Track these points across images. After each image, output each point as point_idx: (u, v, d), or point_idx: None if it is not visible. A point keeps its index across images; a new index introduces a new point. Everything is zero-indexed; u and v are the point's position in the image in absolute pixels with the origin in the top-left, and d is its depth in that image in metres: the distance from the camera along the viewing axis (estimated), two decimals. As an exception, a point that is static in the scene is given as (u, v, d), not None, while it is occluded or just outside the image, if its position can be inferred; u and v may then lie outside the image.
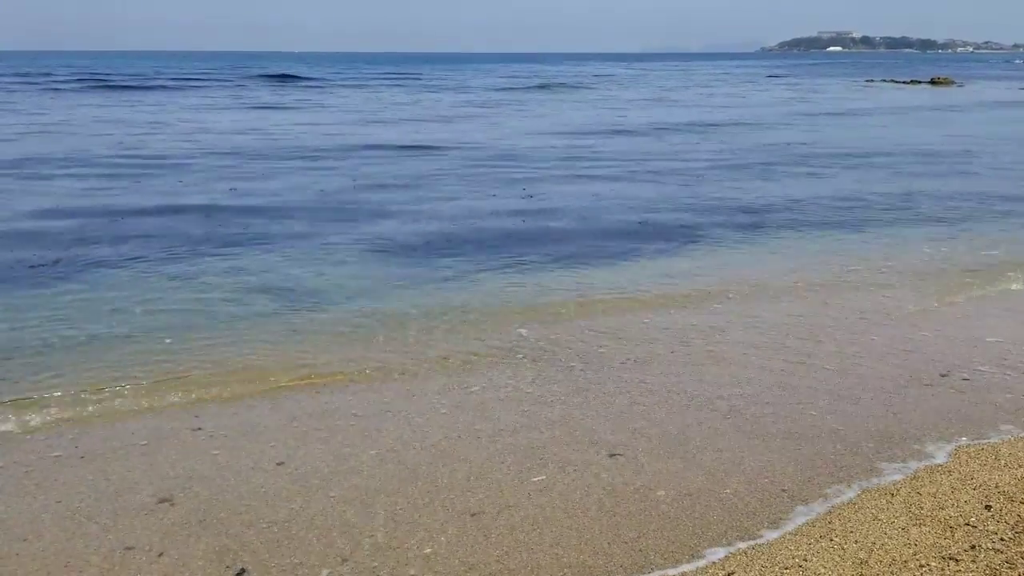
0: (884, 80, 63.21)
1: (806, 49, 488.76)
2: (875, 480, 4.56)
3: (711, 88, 54.43)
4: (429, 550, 3.95)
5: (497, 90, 50.59)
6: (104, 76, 60.50)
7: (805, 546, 3.92)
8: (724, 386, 5.94)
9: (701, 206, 13.08)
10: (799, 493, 4.44)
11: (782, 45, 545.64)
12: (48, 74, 62.34)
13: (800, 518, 4.19)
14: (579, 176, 16.20)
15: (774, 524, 4.14)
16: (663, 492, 4.45)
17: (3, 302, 7.81)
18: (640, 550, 3.94)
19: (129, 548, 3.99)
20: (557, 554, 3.92)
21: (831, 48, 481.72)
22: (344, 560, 3.87)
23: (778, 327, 7.21)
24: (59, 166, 16.95)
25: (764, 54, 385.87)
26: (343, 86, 55.01)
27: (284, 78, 62.41)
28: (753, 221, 11.88)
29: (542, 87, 53.27)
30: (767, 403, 5.63)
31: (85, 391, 5.81)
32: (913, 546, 3.88)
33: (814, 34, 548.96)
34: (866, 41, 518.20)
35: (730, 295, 8.19)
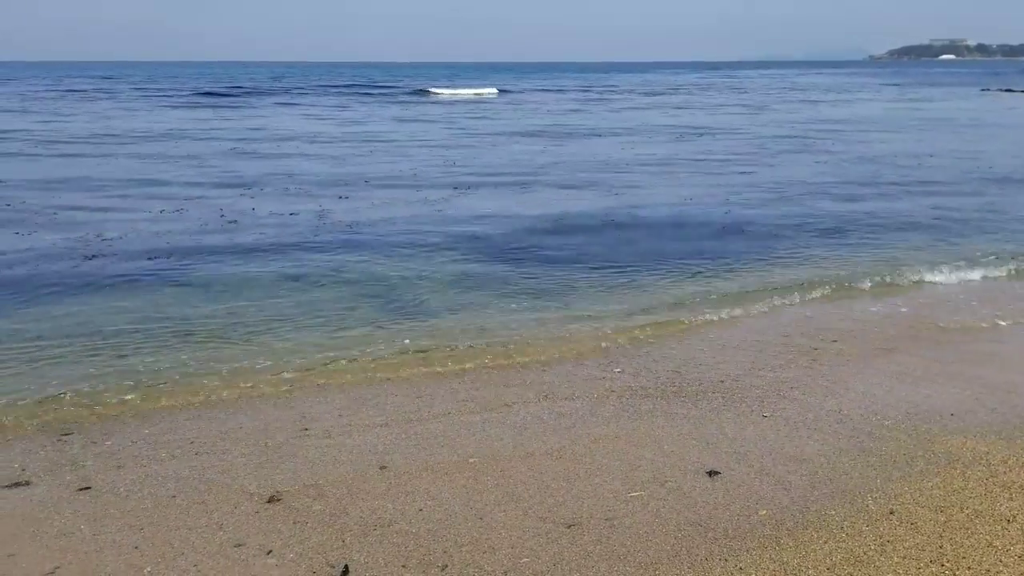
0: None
1: (916, 57, 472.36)
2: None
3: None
4: (526, 559, 3.99)
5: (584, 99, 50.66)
6: (217, 88, 62.69)
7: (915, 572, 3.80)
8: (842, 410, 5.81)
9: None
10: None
11: (891, 53, 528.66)
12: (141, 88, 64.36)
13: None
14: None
15: (880, 547, 4.02)
16: (765, 512, 4.38)
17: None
18: (740, 568, 3.88)
19: (239, 545, 4.15)
20: (653, 568, 3.90)
21: (943, 56, 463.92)
22: (444, 567, 3.94)
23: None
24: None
25: (872, 63, 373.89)
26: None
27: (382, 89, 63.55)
28: None
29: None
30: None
31: (198, 386, 6.09)
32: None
33: (925, 42, 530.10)
34: (982, 49, 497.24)
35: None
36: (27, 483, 4.81)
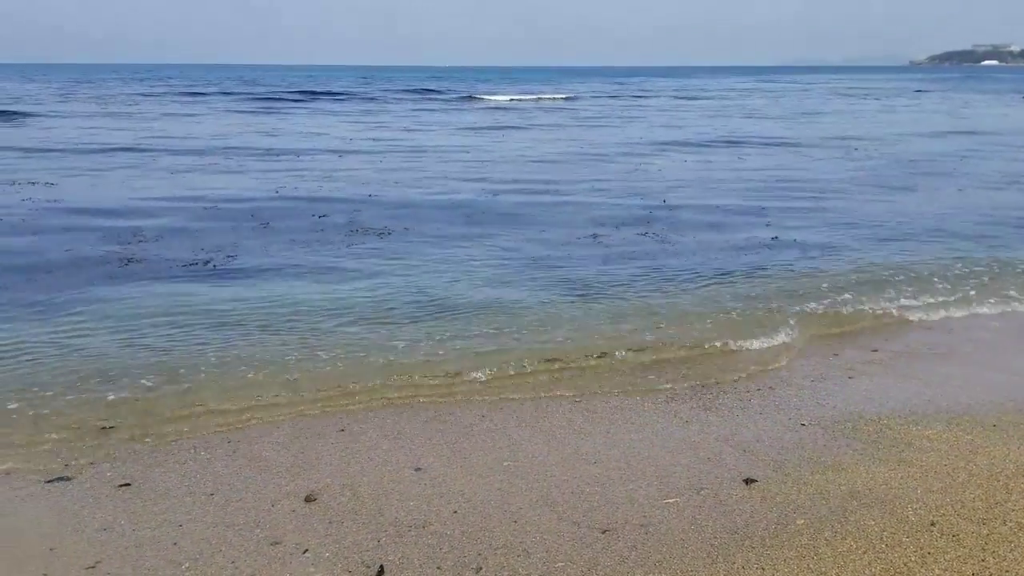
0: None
1: (958, 63, 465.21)
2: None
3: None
4: (560, 563, 3.98)
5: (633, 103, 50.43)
6: (325, 91, 62.72)
7: (955, 586, 3.74)
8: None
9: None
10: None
11: (932, 59, 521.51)
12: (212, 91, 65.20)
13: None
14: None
15: (921, 559, 3.96)
16: (803, 521, 4.33)
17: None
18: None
19: (276, 543, 4.19)
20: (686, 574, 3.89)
21: (986, 62, 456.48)
22: (478, 569, 3.94)
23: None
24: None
25: (914, 68, 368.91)
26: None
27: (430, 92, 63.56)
28: None
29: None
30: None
31: (237, 385, 6.15)
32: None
33: (968, 47, 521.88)
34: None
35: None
36: (69, 478, 4.89)
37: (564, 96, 61.24)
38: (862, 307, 8.31)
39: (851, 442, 5.31)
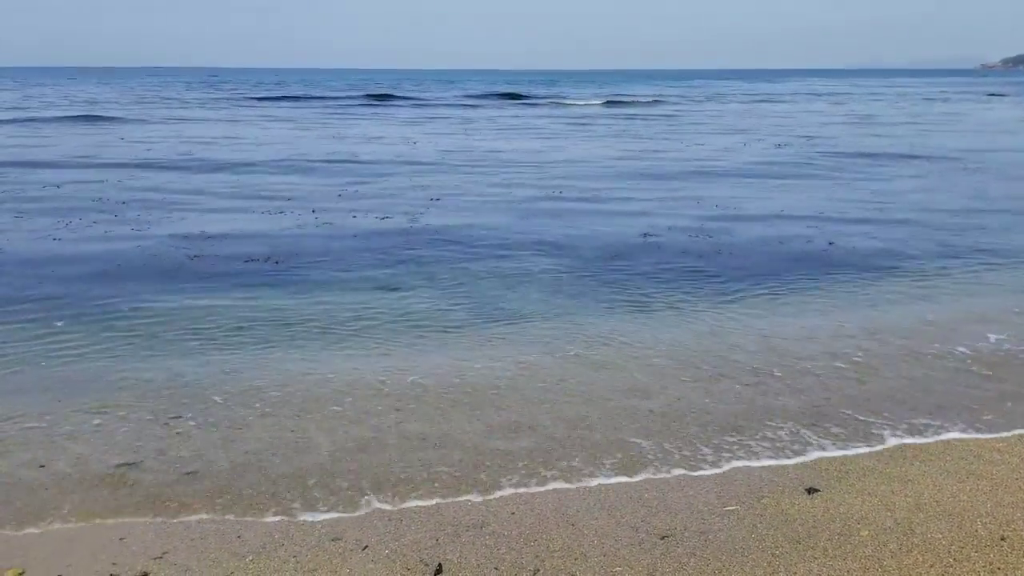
0: None
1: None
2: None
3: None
4: (618, 568, 3.96)
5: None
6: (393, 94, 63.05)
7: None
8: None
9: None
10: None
11: (1005, 62, 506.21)
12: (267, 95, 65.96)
13: None
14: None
15: (990, 574, 3.85)
16: (867, 532, 4.24)
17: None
18: (839, 590, 3.78)
19: (336, 539, 4.25)
20: (750, 585, 3.84)
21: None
22: (535, 572, 3.95)
23: None
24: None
25: (985, 71, 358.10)
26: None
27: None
28: None
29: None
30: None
31: (297, 379, 6.26)
32: None
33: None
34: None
35: None
36: (138, 465, 5.03)
37: (650, 99, 60.40)
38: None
39: (917, 453, 5.19)
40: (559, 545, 4.17)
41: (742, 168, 20.15)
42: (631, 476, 4.92)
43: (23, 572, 3.95)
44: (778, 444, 5.35)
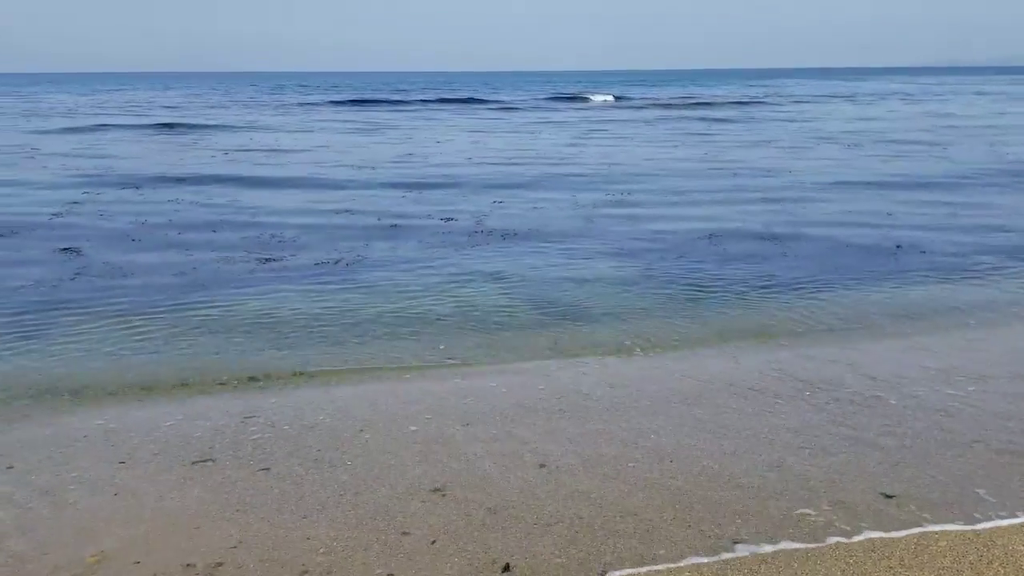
0: None
1: None
2: None
3: None
4: (688, 573, 3.90)
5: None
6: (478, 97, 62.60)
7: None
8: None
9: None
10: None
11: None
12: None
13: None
14: None
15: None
16: (945, 543, 4.10)
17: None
18: (919, 602, 3.65)
19: (405, 533, 4.28)
20: (825, 594, 3.73)
21: None
22: (603, 573, 3.92)
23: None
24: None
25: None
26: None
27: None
28: None
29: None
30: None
31: (370, 379, 6.34)
32: None
33: None
34: None
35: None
36: (213, 460, 5.14)
37: (735, 101, 58.22)
38: None
39: (997, 457, 5.00)
40: (628, 547, 4.13)
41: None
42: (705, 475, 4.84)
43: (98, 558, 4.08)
44: None
